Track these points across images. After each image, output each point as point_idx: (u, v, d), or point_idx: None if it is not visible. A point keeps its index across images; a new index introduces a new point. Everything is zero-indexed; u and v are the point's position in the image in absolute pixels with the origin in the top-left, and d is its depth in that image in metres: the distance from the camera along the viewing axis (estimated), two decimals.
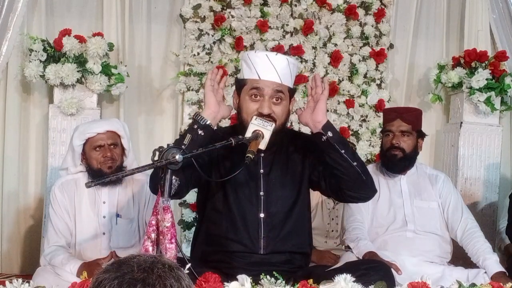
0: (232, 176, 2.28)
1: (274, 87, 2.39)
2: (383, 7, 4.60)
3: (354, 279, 2.08)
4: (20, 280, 2.16)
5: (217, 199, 2.47)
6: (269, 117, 2.35)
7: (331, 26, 4.52)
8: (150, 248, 1.99)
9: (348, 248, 3.21)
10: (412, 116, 3.20)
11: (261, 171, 2.47)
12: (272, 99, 2.38)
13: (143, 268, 1.18)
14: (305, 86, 4.45)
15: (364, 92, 4.55)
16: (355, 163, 2.34)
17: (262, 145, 2.27)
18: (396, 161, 3.18)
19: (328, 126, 2.35)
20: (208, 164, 2.42)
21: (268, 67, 2.38)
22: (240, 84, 2.44)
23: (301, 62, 4.45)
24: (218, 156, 2.47)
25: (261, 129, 2.28)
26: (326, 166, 2.40)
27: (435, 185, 3.26)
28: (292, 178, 2.50)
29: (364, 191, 2.43)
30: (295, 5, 4.47)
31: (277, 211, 2.46)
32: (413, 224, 3.14)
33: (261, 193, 2.46)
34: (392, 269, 2.71)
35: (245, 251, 2.38)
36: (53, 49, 3.96)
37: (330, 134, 2.33)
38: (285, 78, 2.43)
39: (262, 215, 2.44)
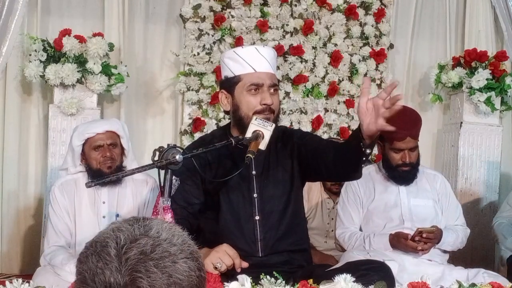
0: (233, 176, 2.27)
1: (270, 78, 2.41)
2: (383, 7, 4.60)
3: (354, 279, 2.08)
4: (20, 280, 2.15)
5: (210, 205, 2.45)
6: (270, 110, 2.37)
7: (331, 26, 4.51)
8: None
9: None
10: (418, 129, 3.19)
11: (253, 172, 2.45)
12: (270, 90, 2.40)
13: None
14: (304, 85, 4.45)
15: None
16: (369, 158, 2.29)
17: (262, 146, 2.26)
18: (407, 175, 3.19)
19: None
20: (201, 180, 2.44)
21: (261, 59, 2.40)
22: (232, 82, 2.42)
23: (301, 62, 4.45)
24: (210, 161, 2.46)
25: (261, 129, 2.27)
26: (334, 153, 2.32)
27: (433, 184, 3.28)
28: (284, 176, 2.49)
29: (356, 175, 2.39)
30: (295, 5, 4.46)
31: (272, 211, 2.44)
32: (410, 222, 3.14)
33: (255, 195, 2.44)
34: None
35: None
36: (53, 49, 3.96)
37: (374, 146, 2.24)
38: (274, 68, 2.48)
39: (257, 217, 2.43)
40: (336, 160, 2.31)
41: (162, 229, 0.98)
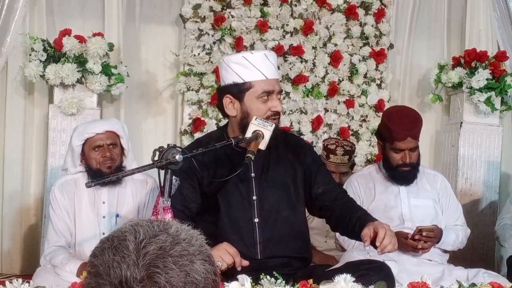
0: (232, 176, 2.27)
1: (278, 84, 2.44)
2: (383, 7, 4.59)
3: (354, 279, 2.08)
4: (20, 280, 2.16)
5: (208, 208, 2.45)
6: (278, 114, 2.38)
7: (331, 26, 4.51)
8: None
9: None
10: (419, 129, 3.18)
11: (252, 174, 2.45)
12: (278, 96, 2.42)
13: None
14: (304, 85, 4.45)
15: (364, 92, 4.55)
16: None
17: (262, 145, 2.26)
18: (407, 176, 3.20)
19: None
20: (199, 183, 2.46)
21: (269, 65, 2.41)
22: (241, 88, 2.38)
23: (301, 62, 4.45)
24: (207, 163, 2.45)
25: (261, 129, 2.27)
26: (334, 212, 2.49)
27: (433, 184, 3.28)
28: (285, 180, 2.48)
29: None
30: (295, 5, 4.46)
31: (271, 214, 2.44)
32: (410, 222, 3.14)
33: (254, 197, 2.43)
34: None
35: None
36: (53, 49, 3.96)
37: None
38: (278, 73, 2.51)
39: (256, 220, 2.42)
40: (340, 229, 2.56)
41: (181, 230, 0.98)
